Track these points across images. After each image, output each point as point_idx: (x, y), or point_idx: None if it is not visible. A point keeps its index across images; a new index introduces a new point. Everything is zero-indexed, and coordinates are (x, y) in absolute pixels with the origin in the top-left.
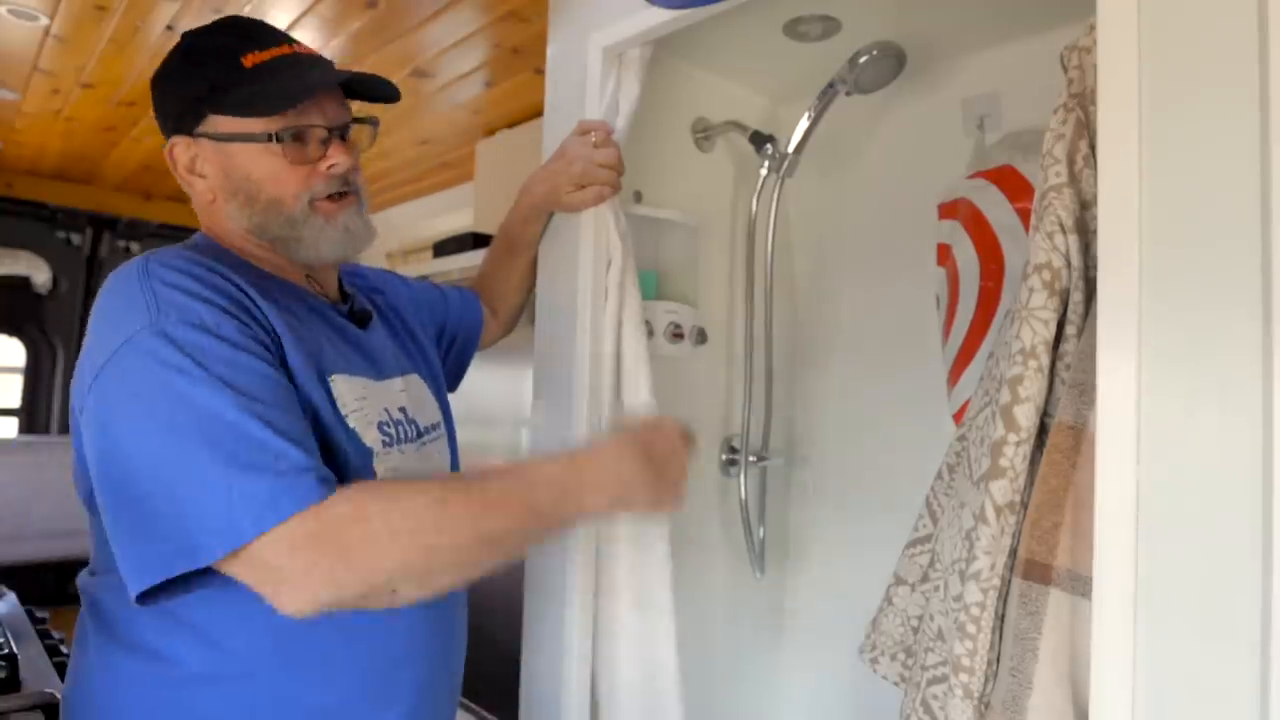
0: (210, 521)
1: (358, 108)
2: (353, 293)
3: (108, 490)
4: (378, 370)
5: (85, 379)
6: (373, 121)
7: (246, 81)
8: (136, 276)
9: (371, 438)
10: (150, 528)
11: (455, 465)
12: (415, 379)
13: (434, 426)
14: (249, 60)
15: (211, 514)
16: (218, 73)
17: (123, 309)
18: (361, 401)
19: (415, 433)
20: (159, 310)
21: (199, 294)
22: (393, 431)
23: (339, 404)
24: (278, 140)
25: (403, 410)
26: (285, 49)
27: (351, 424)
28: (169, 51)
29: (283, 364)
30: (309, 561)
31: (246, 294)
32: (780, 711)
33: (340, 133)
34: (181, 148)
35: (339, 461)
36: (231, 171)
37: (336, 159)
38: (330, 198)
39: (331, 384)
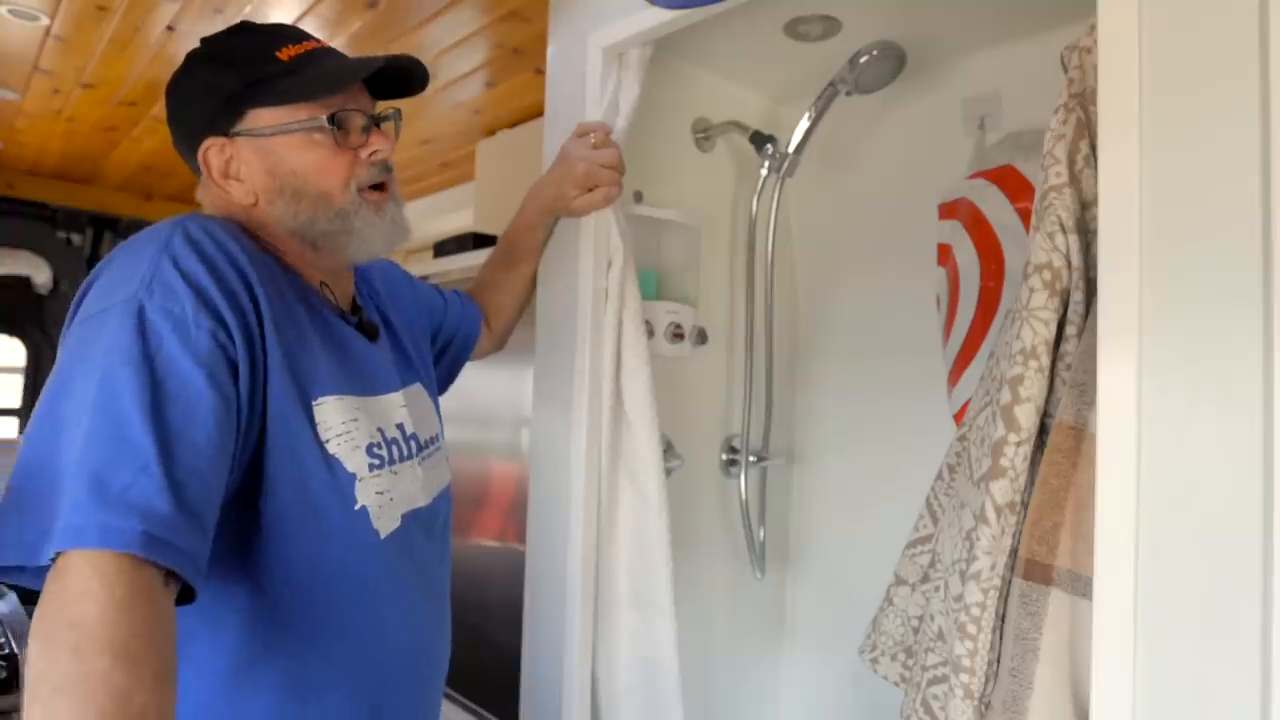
0: (58, 519)
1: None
2: (364, 303)
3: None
4: (379, 385)
5: (71, 318)
6: (397, 114)
7: (288, 73)
8: (160, 243)
9: (355, 463)
10: (16, 494)
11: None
12: (417, 389)
13: (434, 439)
14: (285, 54)
15: (59, 511)
16: (255, 68)
17: (129, 269)
18: (351, 424)
19: (416, 448)
20: (149, 288)
21: (202, 290)
22: (383, 453)
23: (320, 429)
24: (330, 122)
25: (400, 427)
26: (316, 43)
27: (332, 450)
28: (187, 59)
29: (263, 389)
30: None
31: (256, 301)
32: (780, 711)
33: (377, 122)
34: (215, 150)
35: (316, 488)
36: (275, 168)
37: (379, 145)
38: (373, 188)
39: (315, 409)
